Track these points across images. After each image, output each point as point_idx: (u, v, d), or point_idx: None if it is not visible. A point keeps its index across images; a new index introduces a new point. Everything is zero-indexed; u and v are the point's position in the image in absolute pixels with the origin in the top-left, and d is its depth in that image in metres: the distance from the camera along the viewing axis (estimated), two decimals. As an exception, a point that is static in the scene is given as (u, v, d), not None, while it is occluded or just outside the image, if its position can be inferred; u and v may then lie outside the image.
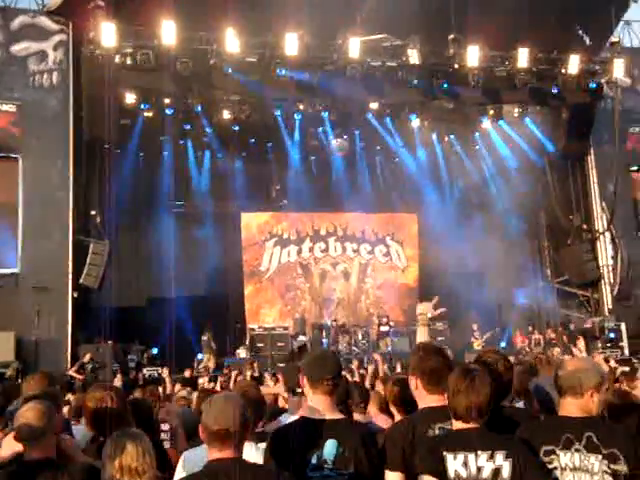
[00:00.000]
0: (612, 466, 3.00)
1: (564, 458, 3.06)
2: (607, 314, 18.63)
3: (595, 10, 16.63)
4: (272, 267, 20.48)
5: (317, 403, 3.30)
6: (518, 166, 19.66)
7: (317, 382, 3.29)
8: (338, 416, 3.33)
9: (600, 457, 3.02)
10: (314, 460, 3.12)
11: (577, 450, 3.04)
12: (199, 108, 17.34)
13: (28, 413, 3.20)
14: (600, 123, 18.80)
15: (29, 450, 3.19)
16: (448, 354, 3.67)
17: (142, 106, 17.17)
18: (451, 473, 2.92)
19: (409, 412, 4.55)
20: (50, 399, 3.46)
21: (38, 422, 3.16)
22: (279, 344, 17.38)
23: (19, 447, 3.21)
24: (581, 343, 16.27)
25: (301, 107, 18.17)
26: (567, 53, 16.95)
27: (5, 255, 14.85)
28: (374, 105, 18.29)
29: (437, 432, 3.28)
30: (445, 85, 16.93)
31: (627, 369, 5.11)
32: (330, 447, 3.14)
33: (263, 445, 3.35)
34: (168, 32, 14.52)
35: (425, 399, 3.46)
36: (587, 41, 17.47)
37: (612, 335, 17.41)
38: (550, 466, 3.05)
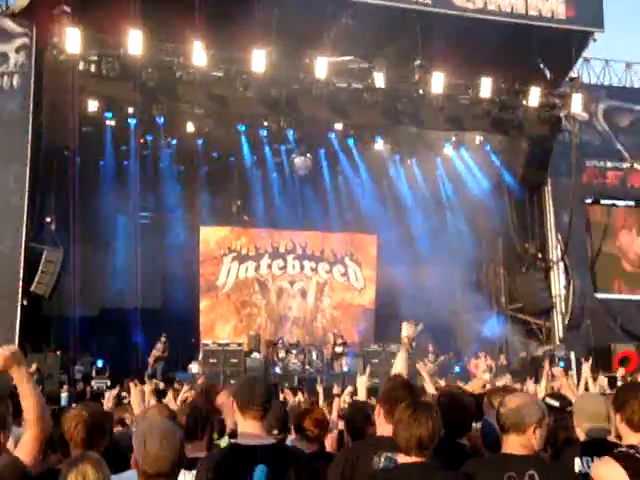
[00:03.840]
0: None
1: None
2: (558, 343, 18.93)
3: (557, 45, 17.05)
4: (229, 282, 20.33)
5: (247, 429, 3.30)
6: (477, 193, 19.92)
7: (246, 408, 3.30)
8: (269, 441, 3.33)
9: None
10: None
11: None
12: (162, 120, 17.20)
13: None
14: (558, 155, 19.18)
15: None
16: (418, 391, 3.69)
17: (105, 114, 16.99)
18: (393, 509, 2.91)
19: (356, 438, 4.57)
20: None
21: None
22: (232, 360, 17.18)
23: None
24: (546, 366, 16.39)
25: (265, 124, 18.18)
26: (529, 85, 17.32)
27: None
28: (338, 126, 18.43)
29: (382, 460, 3.29)
30: (409, 110, 17.11)
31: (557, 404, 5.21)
32: (259, 473, 3.13)
33: (193, 472, 3.30)
34: (134, 42, 14.36)
35: (383, 427, 3.50)
36: (548, 75, 17.88)
37: (562, 364, 17.65)
38: None
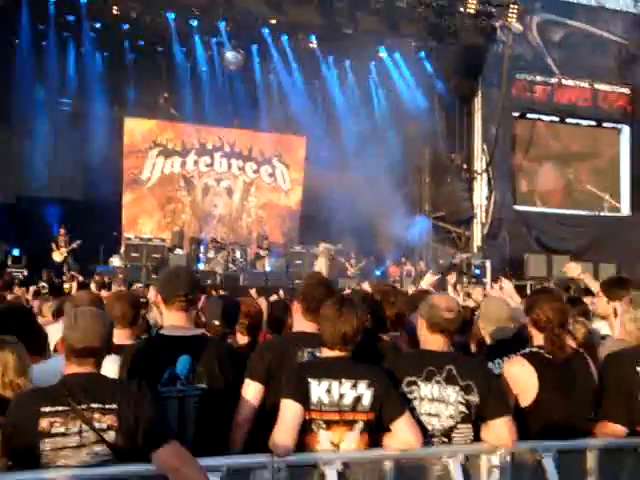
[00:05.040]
0: (466, 397, 3.20)
1: (425, 389, 3.22)
2: (475, 251, 19.63)
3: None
4: (154, 177, 19.87)
5: (172, 320, 3.29)
6: (408, 99, 19.90)
7: (171, 299, 3.28)
8: (194, 332, 3.34)
9: (457, 388, 3.21)
10: (166, 375, 3.12)
11: (437, 382, 3.21)
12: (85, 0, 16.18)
13: None
14: (490, 66, 19.29)
15: None
16: (335, 289, 3.79)
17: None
18: (314, 399, 3.01)
19: (276, 330, 4.70)
20: None
21: None
22: (155, 255, 17.08)
23: None
24: (452, 278, 16.98)
25: (197, 13, 17.37)
26: (467, -8, 17.11)
27: None
28: (273, 21, 17.80)
29: (305, 355, 3.38)
30: (345, 10, 16.71)
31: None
32: (183, 362, 3.15)
33: (116, 357, 3.30)
34: None
35: (301, 324, 3.57)
36: (487, -17, 17.67)
37: (477, 271, 18.40)
38: (410, 396, 3.20)
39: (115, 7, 16.85)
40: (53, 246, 16.36)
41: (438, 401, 3.20)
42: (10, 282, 11.60)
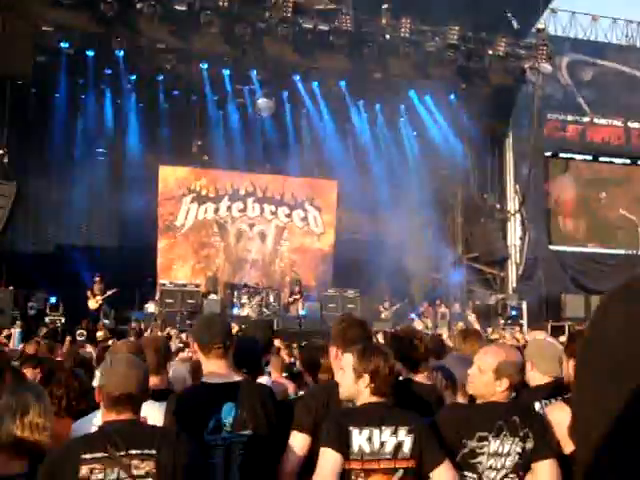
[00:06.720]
0: (523, 445, 3.10)
1: (494, 445, 3.11)
2: (511, 292, 19.38)
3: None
4: (188, 223, 20.10)
5: (211, 368, 3.28)
6: (439, 141, 19.95)
7: (207, 347, 3.27)
8: (235, 378, 3.31)
9: (517, 439, 3.11)
10: (212, 424, 3.10)
11: (505, 436, 3.11)
12: (122, 53, 16.64)
13: None
14: (520, 107, 19.31)
15: None
16: (369, 328, 3.73)
17: (62, 45, 16.34)
18: (355, 448, 2.95)
19: (315, 377, 4.61)
20: None
21: None
22: (189, 301, 17.20)
23: None
24: (473, 317, 16.68)
25: (229, 63, 17.76)
26: (495, 35, 17.26)
27: None
28: (303, 68, 18.11)
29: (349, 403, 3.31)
30: (375, 55, 16.92)
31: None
32: (228, 410, 3.13)
33: (159, 404, 3.29)
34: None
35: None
36: (515, 25, 17.78)
37: (514, 313, 18.13)
38: (479, 451, 3.09)
39: (150, 59, 17.30)
40: (89, 294, 16.49)
41: (501, 455, 3.10)
42: (55, 331, 11.79)
